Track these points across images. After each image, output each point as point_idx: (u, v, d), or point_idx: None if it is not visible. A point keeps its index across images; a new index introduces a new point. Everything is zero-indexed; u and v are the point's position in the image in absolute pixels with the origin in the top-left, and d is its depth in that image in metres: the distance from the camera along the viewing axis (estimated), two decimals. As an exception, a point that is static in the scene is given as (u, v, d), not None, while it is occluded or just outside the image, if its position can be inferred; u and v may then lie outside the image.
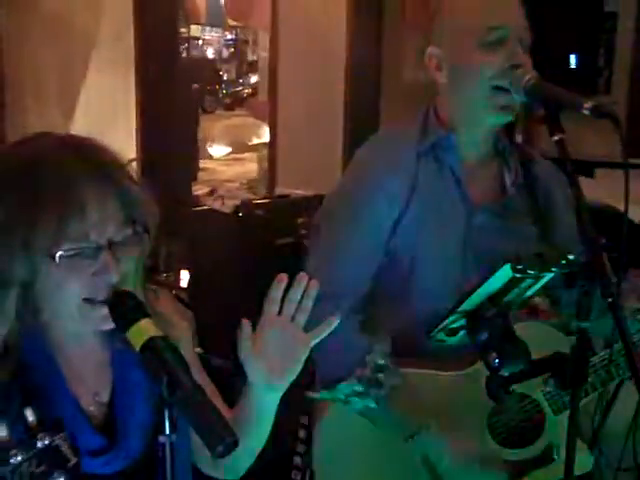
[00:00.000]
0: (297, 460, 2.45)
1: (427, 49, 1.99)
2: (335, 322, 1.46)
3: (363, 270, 2.00)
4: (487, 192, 2.04)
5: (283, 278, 1.42)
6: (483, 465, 1.94)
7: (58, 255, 1.28)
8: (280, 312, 1.43)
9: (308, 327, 1.82)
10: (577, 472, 1.90)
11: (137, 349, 1.25)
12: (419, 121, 2.05)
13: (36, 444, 1.12)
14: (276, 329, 1.43)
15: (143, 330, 1.26)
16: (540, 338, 1.72)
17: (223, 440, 1.17)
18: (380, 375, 1.78)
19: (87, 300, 1.32)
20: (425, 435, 1.88)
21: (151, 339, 1.24)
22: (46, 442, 1.12)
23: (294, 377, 1.45)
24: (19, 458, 1.10)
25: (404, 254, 1.98)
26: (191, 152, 7.54)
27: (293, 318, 1.44)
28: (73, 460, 1.13)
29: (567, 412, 1.93)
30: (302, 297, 1.44)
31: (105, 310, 1.31)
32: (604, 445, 2.64)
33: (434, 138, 1.99)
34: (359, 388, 1.77)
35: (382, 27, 4.15)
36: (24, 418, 1.28)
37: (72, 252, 1.28)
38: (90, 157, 1.34)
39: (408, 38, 4.13)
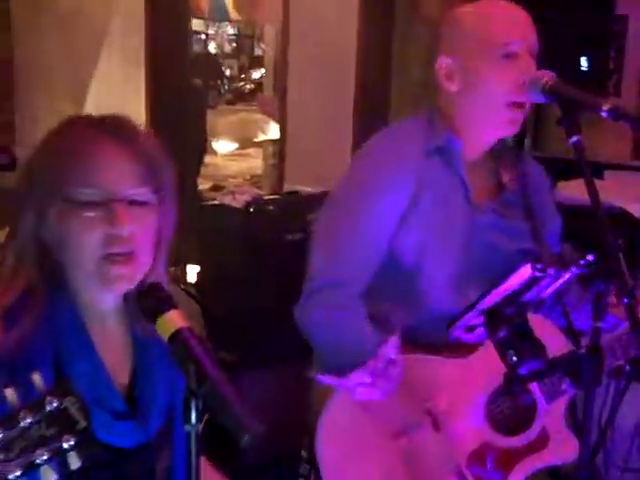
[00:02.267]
0: (304, 468, 2.47)
1: (438, 58, 2.00)
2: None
3: (370, 257, 2.01)
4: (485, 190, 2.08)
5: None
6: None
7: (74, 198, 1.37)
8: None
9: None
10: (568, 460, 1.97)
11: (165, 340, 1.27)
12: (424, 122, 2.07)
13: (45, 407, 1.12)
14: None
15: (171, 321, 1.28)
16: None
17: (250, 430, 1.19)
18: (391, 369, 1.80)
19: (105, 258, 1.37)
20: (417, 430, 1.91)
21: (179, 330, 1.26)
22: (55, 404, 1.12)
23: None
24: (28, 420, 1.10)
25: (410, 250, 2.01)
26: (201, 147, 7.56)
27: None
28: (83, 423, 1.13)
29: (560, 400, 2.01)
30: None
31: (123, 269, 1.38)
32: (611, 445, 2.67)
33: (442, 140, 2.02)
34: (367, 380, 1.78)
35: (393, 24, 4.16)
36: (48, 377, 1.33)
37: (85, 196, 1.37)
38: (109, 119, 1.45)
39: (419, 36, 4.15)
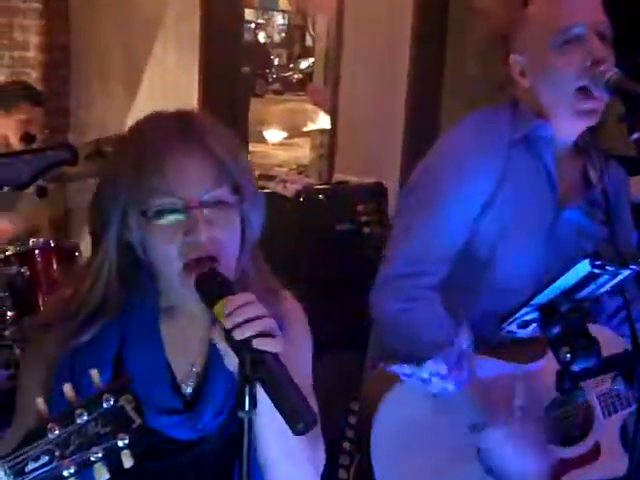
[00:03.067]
0: (346, 445, 2.48)
1: (510, 56, 2.00)
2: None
3: (450, 246, 1.99)
4: (573, 186, 2.05)
5: None
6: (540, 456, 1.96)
7: (148, 211, 1.36)
8: None
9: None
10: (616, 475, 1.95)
11: (223, 325, 1.27)
12: (507, 111, 2.05)
13: (102, 404, 1.13)
14: None
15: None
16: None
17: (304, 418, 1.19)
18: (464, 359, 1.79)
19: (187, 266, 1.36)
20: (490, 432, 1.89)
21: (235, 316, 1.27)
22: (111, 402, 1.13)
23: None
24: (85, 418, 1.12)
25: (484, 241, 1.98)
26: (245, 135, 7.59)
27: None
28: (137, 421, 1.14)
29: (616, 415, 1.99)
30: None
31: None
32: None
33: (530, 126, 1.99)
34: (443, 370, 1.77)
35: (447, 19, 4.14)
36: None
37: (158, 207, 1.36)
38: (180, 119, 1.41)
39: (473, 31, 4.11)
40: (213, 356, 1.46)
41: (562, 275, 1.46)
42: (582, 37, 1.89)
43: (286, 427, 1.21)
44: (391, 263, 2.01)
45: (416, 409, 1.92)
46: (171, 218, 1.37)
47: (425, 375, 1.79)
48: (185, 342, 1.48)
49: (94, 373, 1.16)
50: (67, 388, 1.15)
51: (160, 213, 1.36)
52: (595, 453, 2.01)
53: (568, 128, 2.00)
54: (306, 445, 1.41)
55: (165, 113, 1.44)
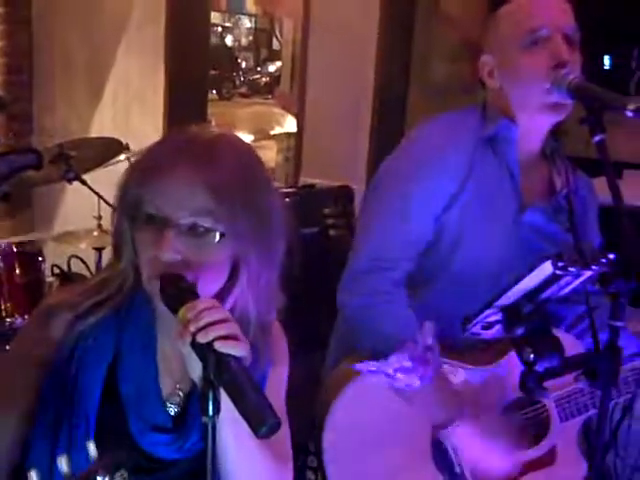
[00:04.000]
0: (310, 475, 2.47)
1: (481, 57, 2.06)
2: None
3: (415, 242, 2.02)
4: (536, 193, 2.07)
5: None
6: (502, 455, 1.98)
7: (137, 216, 1.37)
8: None
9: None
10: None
11: (185, 331, 1.27)
12: (478, 112, 2.09)
13: None
14: None
15: (192, 312, 1.28)
16: None
17: (267, 422, 1.19)
18: (429, 354, 1.80)
19: (149, 278, 1.36)
20: (458, 428, 1.91)
21: (198, 321, 1.26)
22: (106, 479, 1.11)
23: None
24: None
25: (446, 238, 2.00)
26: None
27: None
28: None
29: (573, 420, 2.02)
30: None
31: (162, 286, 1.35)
32: (621, 445, 2.66)
33: (496, 127, 2.02)
34: (408, 364, 1.78)
35: (414, 23, 4.16)
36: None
37: (145, 217, 1.36)
38: (200, 138, 1.40)
39: (439, 32, 4.14)
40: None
41: (525, 276, 1.47)
42: (548, 39, 1.92)
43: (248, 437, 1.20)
44: (355, 259, 2.03)
45: (369, 410, 1.94)
46: (149, 230, 1.36)
47: (390, 370, 1.79)
48: (176, 358, 1.44)
49: (91, 445, 1.12)
50: (63, 462, 1.11)
51: (144, 221, 1.36)
52: (551, 457, 2.03)
53: (536, 125, 2.02)
54: (269, 459, 1.42)
55: (189, 131, 1.43)
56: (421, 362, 1.79)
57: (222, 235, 1.36)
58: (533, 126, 2.03)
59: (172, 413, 1.46)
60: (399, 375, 1.79)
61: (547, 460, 2.03)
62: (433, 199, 1.99)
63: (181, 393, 1.48)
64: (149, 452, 1.43)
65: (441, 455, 1.96)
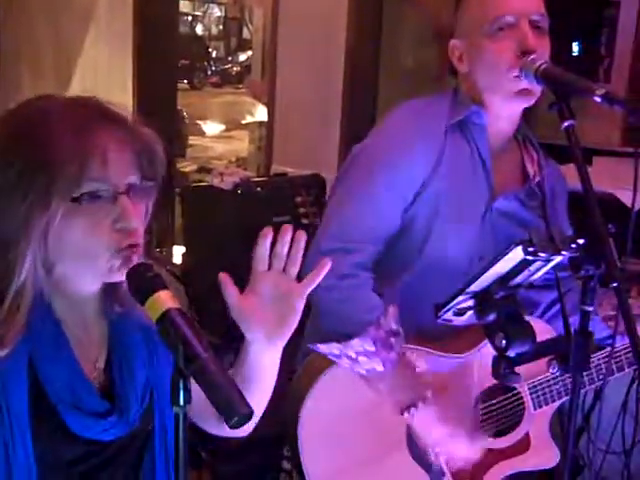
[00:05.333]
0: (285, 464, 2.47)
1: (450, 41, 2.06)
2: (328, 265, 1.41)
3: (381, 228, 2.02)
4: (509, 179, 2.08)
5: (268, 233, 1.40)
6: (468, 442, 1.99)
7: (77, 196, 1.29)
8: (270, 267, 1.41)
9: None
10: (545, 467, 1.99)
11: (154, 320, 1.26)
12: (449, 97, 2.09)
13: None
14: (268, 284, 1.41)
15: (160, 301, 1.26)
16: None
17: (238, 411, 1.18)
18: (392, 339, 1.80)
19: (115, 253, 1.33)
20: (421, 408, 1.91)
21: (168, 310, 1.25)
22: None
23: (292, 330, 1.44)
24: None
25: (418, 225, 2.01)
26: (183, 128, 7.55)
27: (285, 271, 1.41)
28: None
29: (545, 408, 2.04)
30: (291, 248, 1.40)
31: (134, 258, 1.34)
32: (594, 428, 2.68)
33: (466, 112, 2.02)
34: (370, 348, 1.78)
35: (382, 10, 4.15)
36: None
37: (93, 194, 1.30)
38: (101, 106, 1.36)
39: (409, 18, 4.14)
40: (116, 335, 1.46)
41: (496, 262, 1.47)
42: (514, 26, 1.92)
43: None
44: (321, 239, 2.04)
45: (343, 400, 1.94)
46: (101, 203, 1.31)
47: (352, 354, 1.79)
48: (88, 328, 1.45)
49: None
50: None
51: (91, 197, 1.30)
52: (524, 445, 2.06)
53: (505, 111, 2.03)
54: None
55: (73, 98, 1.38)
56: (384, 346, 1.79)
57: (156, 187, 1.40)
58: (503, 111, 2.03)
59: (99, 391, 1.43)
60: (362, 358, 1.80)
61: (521, 447, 2.05)
62: (400, 186, 2.00)
63: (99, 367, 1.45)
64: (99, 440, 1.41)
65: (415, 443, 1.97)
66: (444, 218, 2.00)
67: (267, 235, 1.39)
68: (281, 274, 1.41)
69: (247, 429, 1.60)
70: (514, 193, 2.07)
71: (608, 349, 1.99)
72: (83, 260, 1.34)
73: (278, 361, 1.52)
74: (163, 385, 1.47)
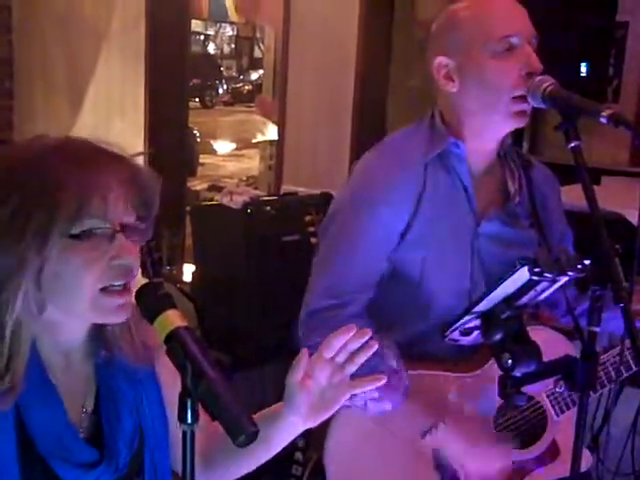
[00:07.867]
0: (298, 455, 2.47)
1: (435, 59, 1.96)
2: (382, 379, 1.47)
3: (369, 275, 2.00)
4: (492, 199, 2.05)
5: (351, 329, 1.42)
6: (496, 456, 1.99)
7: (77, 233, 1.28)
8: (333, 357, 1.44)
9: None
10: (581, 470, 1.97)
11: (162, 338, 1.26)
12: (425, 129, 2.03)
13: None
14: (325, 372, 1.44)
15: (169, 320, 1.27)
16: (546, 342, 1.74)
17: (245, 430, 1.19)
18: (394, 379, 1.80)
19: (104, 289, 1.32)
20: (440, 431, 1.91)
21: (176, 329, 1.25)
22: None
23: (327, 417, 1.49)
24: None
25: (413, 262, 1.99)
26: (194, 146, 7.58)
27: (343, 366, 1.45)
28: None
29: (568, 412, 2.01)
30: (359, 349, 1.44)
31: (122, 299, 1.33)
32: (603, 450, 2.67)
33: (443, 146, 1.97)
34: (375, 395, 1.79)
35: (392, 31, 4.17)
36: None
37: (91, 231, 1.29)
38: (99, 145, 1.37)
39: (416, 41, 4.16)
40: (103, 379, 1.45)
41: (502, 282, 1.47)
42: (518, 47, 1.90)
43: None
44: (313, 297, 2.01)
45: (365, 429, 1.94)
46: (99, 240, 1.30)
47: (360, 403, 1.80)
48: (75, 372, 1.43)
49: None
50: None
51: (90, 234, 1.29)
52: (554, 452, 2.03)
53: (497, 130, 1.97)
54: None
55: (69, 141, 1.37)
56: (388, 389, 1.79)
57: (150, 221, 1.39)
58: (494, 131, 1.99)
59: (87, 438, 1.41)
60: (370, 405, 1.80)
61: (550, 456, 2.03)
62: (381, 234, 1.96)
63: (88, 412, 1.44)
64: None
65: (444, 465, 1.97)
66: (433, 250, 1.96)
67: (352, 329, 1.42)
68: (339, 367, 1.45)
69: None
70: (496, 214, 2.04)
71: (617, 349, 1.96)
72: (74, 296, 1.32)
73: (293, 437, 1.54)
74: (153, 428, 1.47)
